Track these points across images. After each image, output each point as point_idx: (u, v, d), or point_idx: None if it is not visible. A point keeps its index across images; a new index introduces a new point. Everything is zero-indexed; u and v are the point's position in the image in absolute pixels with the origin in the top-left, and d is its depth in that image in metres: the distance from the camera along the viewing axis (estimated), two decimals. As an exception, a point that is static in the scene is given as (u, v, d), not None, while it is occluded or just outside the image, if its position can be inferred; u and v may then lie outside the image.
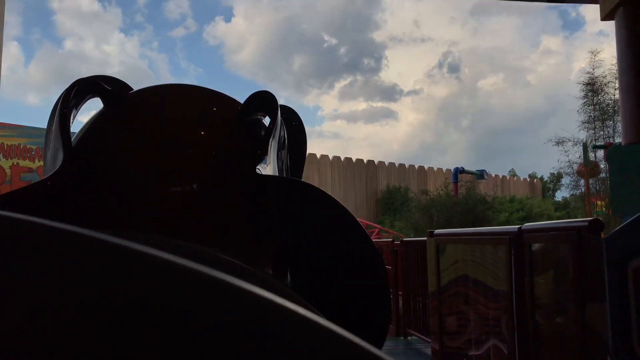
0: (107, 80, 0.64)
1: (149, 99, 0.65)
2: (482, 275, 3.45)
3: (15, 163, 9.55)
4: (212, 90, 0.67)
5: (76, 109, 0.61)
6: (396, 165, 27.82)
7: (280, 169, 0.68)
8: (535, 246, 2.73)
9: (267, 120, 0.66)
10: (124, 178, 0.57)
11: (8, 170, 9.51)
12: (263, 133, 0.63)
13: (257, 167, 0.58)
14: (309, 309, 0.33)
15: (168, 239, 0.49)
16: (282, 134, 0.69)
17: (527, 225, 2.91)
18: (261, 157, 0.59)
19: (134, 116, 0.62)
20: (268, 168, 0.60)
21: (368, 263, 0.55)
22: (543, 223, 2.87)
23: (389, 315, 0.57)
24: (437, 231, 4.23)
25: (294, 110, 0.77)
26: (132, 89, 0.67)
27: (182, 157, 0.58)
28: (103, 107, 0.63)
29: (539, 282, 2.73)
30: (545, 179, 39.01)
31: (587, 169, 16.68)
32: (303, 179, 0.74)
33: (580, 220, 2.40)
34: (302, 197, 0.56)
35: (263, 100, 0.64)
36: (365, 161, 26.60)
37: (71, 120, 0.58)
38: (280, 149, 0.68)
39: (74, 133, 0.61)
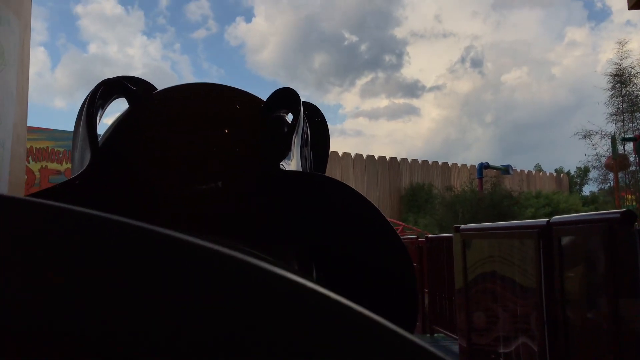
0: (132, 81, 0.65)
1: (173, 98, 0.65)
2: (510, 270, 3.39)
3: (43, 166, 9.76)
4: (235, 88, 0.67)
5: (102, 109, 0.62)
6: (419, 161, 27.61)
7: (303, 166, 0.68)
8: (565, 239, 2.66)
9: (290, 117, 0.66)
10: (150, 176, 0.57)
11: (37, 173, 9.73)
12: (286, 129, 0.63)
13: (281, 163, 0.57)
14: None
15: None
16: (305, 130, 0.68)
17: (556, 218, 2.84)
18: (285, 153, 0.59)
19: (158, 115, 0.62)
20: (292, 164, 0.60)
21: (396, 261, 0.54)
22: (573, 215, 2.80)
23: (415, 317, 0.56)
24: (463, 226, 4.17)
25: (316, 107, 0.77)
26: (157, 89, 0.68)
27: (207, 155, 0.58)
28: (128, 107, 0.64)
29: (570, 277, 2.66)
30: (572, 174, 38.37)
31: (616, 162, 16.32)
32: None
33: (611, 212, 2.33)
34: (327, 193, 0.55)
35: (286, 97, 0.64)
36: (388, 158, 26.46)
37: (98, 121, 0.59)
38: (303, 145, 0.67)
39: (100, 134, 0.62)
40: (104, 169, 0.56)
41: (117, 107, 0.67)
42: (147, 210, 0.57)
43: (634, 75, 16.93)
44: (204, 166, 0.58)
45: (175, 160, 0.57)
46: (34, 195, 0.53)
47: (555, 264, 2.72)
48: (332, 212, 0.55)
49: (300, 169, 0.65)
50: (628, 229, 2.22)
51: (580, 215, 2.68)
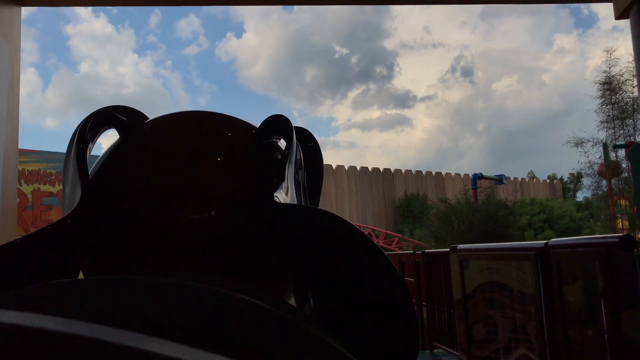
0: (122, 110, 0.65)
1: (163, 129, 0.65)
2: (508, 291, 3.38)
3: (36, 188, 9.70)
4: (227, 116, 0.67)
5: (92, 142, 0.61)
6: (413, 172, 27.68)
7: (297, 193, 0.68)
8: (564, 263, 2.66)
9: (282, 143, 0.65)
10: (141, 211, 0.57)
11: (30, 196, 9.66)
12: (279, 157, 0.63)
13: (275, 194, 0.57)
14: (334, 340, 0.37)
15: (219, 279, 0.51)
16: (298, 156, 0.69)
17: (554, 240, 2.84)
18: (278, 184, 0.58)
19: (148, 147, 0.62)
20: (285, 194, 0.60)
21: (392, 293, 0.54)
22: (571, 239, 2.79)
23: (416, 347, 0.55)
24: (460, 246, 4.16)
25: (308, 131, 0.77)
26: (147, 118, 0.68)
27: (199, 188, 0.58)
28: (119, 139, 0.64)
29: (570, 300, 2.65)
30: (565, 180, 38.57)
31: (609, 169, 16.43)
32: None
33: (610, 236, 2.32)
34: (322, 226, 0.55)
35: (278, 124, 0.63)
36: (381, 169, 26.51)
37: (88, 154, 0.59)
38: (296, 171, 0.67)
39: (93, 159, 0.62)
40: (95, 206, 0.56)
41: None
42: (139, 246, 0.56)
43: (622, 82, 17.09)
44: (196, 199, 0.57)
45: (166, 195, 0.57)
46: (26, 237, 0.52)
47: (554, 287, 2.71)
48: (327, 245, 0.55)
49: (295, 198, 0.65)
50: (627, 253, 2.21)
51: (579, 239, 2.67)
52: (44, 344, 0.24)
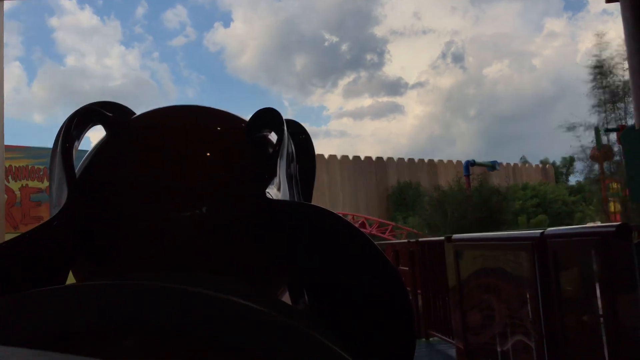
0: (109, 106, 0.64)
1: (150, 124, 0.64)
2: (504, 280, 3.36)
3: (24, 184, 9.62)
4: (216, 109, 0.67)
5: (78, 140, 0.61)
6: (405, 160, 27.72)
7: (290, 187, 0.66)
8: (560, 252, 2.63)
9: (273, 137, 0.64)
10: (129, 209, 0.56)
11: (18, 192, 9.59)
12: (270, 151, 0.62)
13: (267, 189, 0.55)
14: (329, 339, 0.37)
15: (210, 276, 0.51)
16: (290, 149, 0.67)
17: (550, 230, 2.81)
18: (270, 179, 0.57)
19: (136, 143, 0.61)
20: (277, 189, 0.58)
21: (388, 288, 0.53)
22: (567, 228, 2.77)
23: (413, 342, 0.54)
24: (455, 236, 4.14)
25: (299, 123, 0.76)
26: (135, 113, 0.67)
27: (188, 184, 0.57)
28: (105, 135, 0.63)
29: (566, 289, 2.64)
30: (558, 164, 38.79)
31: (601, 152, 16.51)
32: None
33: (606, 225, 2.30)
34: (315, 222, 0.54)
35: (268, 118, 0.63)
36: (374, 158, 26.54)
37: (74, 153, 0.58)
38: (289, 164, 0.66)
39: (81, 155, 0.61)
40: (83, 206, 0.55)
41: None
42: (129, 245, 0.56)
43: (613, 66, 17.13)
44: (186, 196, 0.56)
45: (155, 192, 0.56)
46: (11, 240, 0.51)
47: (551, 277, 2.69)
48: (320, 241, 0.54)
49: (287, 192, 0.63)
50: (623, 242, 2.18)
51: (575, 228, 2.65)
52: None
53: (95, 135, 0.68)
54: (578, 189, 27.91)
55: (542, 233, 2.79)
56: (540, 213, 23.48)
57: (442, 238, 5.12)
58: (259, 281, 0.59)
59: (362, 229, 0.52)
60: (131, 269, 0.55)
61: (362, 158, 26.25)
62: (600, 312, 2.41)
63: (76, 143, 0.59)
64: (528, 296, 2.97)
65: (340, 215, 0.53)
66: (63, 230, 0.53)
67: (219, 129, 0.64)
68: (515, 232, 3.69)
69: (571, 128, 17.69)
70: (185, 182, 0.57)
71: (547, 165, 36.63)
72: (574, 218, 22.61)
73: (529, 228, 18.29)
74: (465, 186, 18.57)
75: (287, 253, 0.57)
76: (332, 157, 25.00)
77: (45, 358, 0.24)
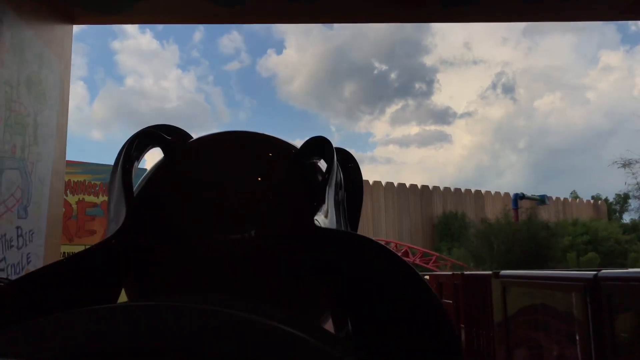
0: (167, 129, 0.66)
1: (205, 149, 0.65)
2: (552, 321, 3.25)
3: (81, 199, 10.01)
4: (268, 136, 0.67)
5: (138, 160, 0.62)
6: (452, 189, 27.29)
7: (337, 214, 0.67)
8: (615, 296, 2.53)
9: (323, 164, 0.65)
10: (182, 230, 0.57)
11: (74, 206, 9.98)
12: (320, 179, 0.63)
13: (315, 216, 0.56)
14: None
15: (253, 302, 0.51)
16: (339, 177, 0.68)
17: (604, 272, 2.71)
18: (318, 206, 0.58)
19: (191, 167, 0.62)
20: (325, 216, 0.59)
21: (430, 314, 0.52)
22: (621, 271, 2.66)
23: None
24: (503, 272, 4.04)
25: (348, 152, 0.77)
26: (191, 137, 0.69)
27: (239, 208, 0.58)
28: (163, 157, 0.65)
29: (621, 335, 2.53)
30: (611, 200, 37.31)
31: (658, 191, 15.79)
32: None
33: (665, 270, 2.20)
34: (362, 253, 0.54)
35: (318, 146, 0.63)
36: (419, 186, 26.24)
37: (133, 172, 0.60)
38: (337, 191, 0.66)
39: (140, 173, 0.64)
40: (139, 226, 0.56)
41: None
42: (181, 267, 0.57)
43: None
44: (238, 221, 0.57)
45: (207, 214, 0.57)
46: (72, 257, 0.53)
47: (604, 321, 2.59)
48: (366, 271, 0.54)
49: (334, 220, 0.64)
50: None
51: (631, 272, 2.55)
52: None
53: (151, 155, 0.70)
54: (632, 227, 26.69)
55: (595, 275, 2.70)
56: (590, 251, 22.56)
57: (489, 273, 5.01)
58: (303, 308, 0.60)
59: (404, 258, 0.54)
60: (179, 290, 0.56)
61: (408, 186, 26.01)
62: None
63: (135, 163, 0.61)
64: (579, 338, 2.86)
65: (384, 244, 0.54)
66: (120, 248, 0.55)
67: (271, 155, 0.65)
68: (566, 271, 3.57)
69: (627, 164, 17.05)
70: (237, 206, 0.58)
71: (600, 202, 35.29)
72: (628, 257, 21.61)
73: (578, 266, 17.60)
74: (513, 219, 18.08)
75: (332, 281, 0.57)
76: (377, 183, 24.88)
77: None
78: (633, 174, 17.23)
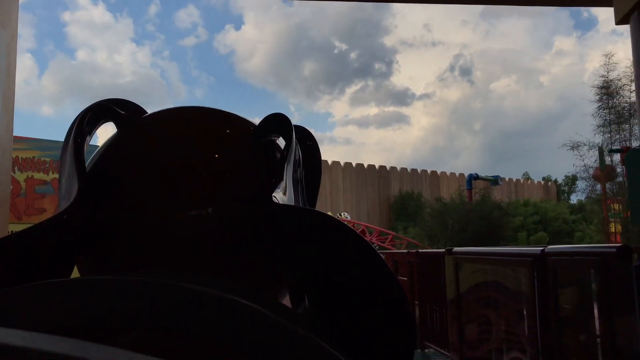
0: (120, 104, 0.64)
1: (161, 123, 0.64)
2: (502, 295, 3.38)
3: (30, 176, 9.64)
4: (226, 112, 0.66)
5: (90, 135, 0.61)
6: (408, 170, 27.71)
7: (295, 192, 0.67)
8: (560, 270, 2.65)
9: (282, 142, 0.65)
10: (135, 207, 0.57)
11: (23, 183, 9.60)
12: (278, 156, 0.63)
13: (273, 193, 0.56)
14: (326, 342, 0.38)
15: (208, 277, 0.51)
16: (297, 156, 0.68)
17: (551, 247, 2.83)
18: (276, 183, 0.58)
19: (145, 142, 0.61)
20: (283, 193, 0.59)
21: (388, 293, 0.54)
22: (567, 246, 2.79)
23: (413, 344, 0.55)
24: (456, 249, 4.16)
25: (307, 130, 0.77)
26: (146, 112, 0.67)
27: (194, 184, 0.57)
28: (116, 132, 0.63)
29: (564, 307, 2.65)
30: (560, 182, 38.65)
31: (604, 173, 16.48)
32: None
33: (607, 245, 2.33)
34: (318, 228, 0.54)
35: (277, 122, 0.63)
36: (377, 167, 26.53)
37: (85, 148, 0.59)
38: (295, 169, 0.67)
39: (91, 150, 0.62)
40: (92, 201, 0.55)
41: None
42: (134, 243, 0.56)
43: (620, 87, 17.12)
44: (193, 197, 0.57)
45: (162, 192, 0.57)
46: (21, 232, 0.52)
47: (549, 294, 2.71)
48: (322, 246, 0.54)
49: (293, 197, 0.64)
50: (623, 264, 2.21)
51: (576, 247, 2.66)
52: None
53: (103, 131, 0.68)
54: (579, 208, 27.78)
55: (542, 250, 2.81)
56: (540, 230, 23.42)
57: (442, 250, 5.15)
58: (259, 284, 0.60)
59: None
60: (133, 267, 0.56)
61: (366, 166, 26.24)
62: (597, 332, 2.43)
63: (87, 138, 0.60)
64: (526, 312, 2.98)
65: (344, 221, 0.54)
66: (72, 224, 0.54)
67: (228, 131, 0.64)
68: (516, 247, 3.70)
69: (575, 147, 17.66)
70: (191, 182, 0.57)
71: (550, 183, 36.56)
72: (574, 237, 22.54)
73: (528, 245, 18.26)
74: (467, 199, 18.52)
75: (289, 257, 0.57)
76: (336, 163, 24.99)
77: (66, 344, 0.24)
78: (581, 156, 17.83)
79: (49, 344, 0.23)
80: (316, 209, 0.65)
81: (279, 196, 0.57)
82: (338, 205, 23.92)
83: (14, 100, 3.57)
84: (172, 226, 0.55)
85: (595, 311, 2.44)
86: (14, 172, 9.06)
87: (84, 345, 0.24)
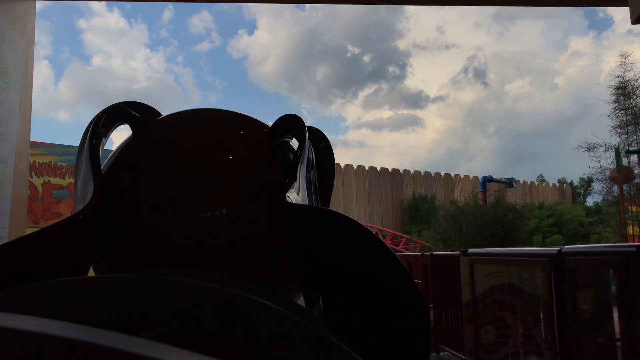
0: (135, 106, 0.65)
1: (175, 126, 0.64)
2: (519, 297, 3.34)
3: (46, 181, 9.77)
4: (239, 114, 0.67)
5: (105, 137, 0.61)
6: (422, 173, 27.60)
7: (309, 192, 0.67)
8: (577, 271, 2.61)
9: (295, 143, 0.65)
10: (152, 209, 0.57)
11: (40, 188, 9.74)
12: (292, 157, 0.63)
13: (287, 194, 0.56)
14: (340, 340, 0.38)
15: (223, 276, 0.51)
16: (310, 157, 0.68)
17: (568, 247, 2.79)
18: (290, 184, 0.58)
19: (160, 144, 0.61)
20: (297, 194, 0.59)
21: (404, 294, 0.53)
22: (584, 246, 2.75)
23: (428, 348, 0.54)
24: (471, 250, 4.12)
25: (321, 131, 0.77)
26: (160, 114, 0.67)
27: (209, 186, 0.57)
28: (131, 135, 0.64)
29: (583, 308, 2.61)
30: (575, 184, 38.27)
31: (621, 174, 16.27)
32: None
33: (626, 245, 2.28)
34: (333, 227, 0.54)
35: (291, 124, 0.63)
36: (390, 170, 26.45)
37: (100, 150, 0.59)
38: (308, 170, 0.67)
39: (105, 155, 0.62)
40: (107, 203, 0.56)
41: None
42: (149, 244, 0.56)
43: (637, 87, 16.91)
44: (207, 199, 0.57)
45: (177, 194, 0.57)
46: (38, 232, 0.52)
47: (567, 295, 2.67)
48: (337, 246, 0.54)
49: (306, 198, 0.64)
50: (644, 263, 2.17)
51: (593, 247, 2.63)
52: (20, 345, 0.23)
53: (118, 135, 0.69)
54: (595, 210, 27.47)
55: (559, 250, 2.77)
56: (555, 233, 23.18)
57: (457, 252, 5.11)
58: (275, 284, 0.60)
59: None
60: (149, 268, 0.56)
61: (379, 169, 26.19)
62: (617, 333, 2.39)
63: (103, 140, 0.60)
64: (543, 314, 2.94)
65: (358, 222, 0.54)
66: (87, 224, 0.54)
67: (241, 133, 0.64)
68: (532, 248, 3.66)
69: (591, 148, 17.45)
70: (206, 184, 0.57)
71: (565, 185, 36.20)
72: (590, 240, 22.28)
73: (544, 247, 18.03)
74: (482, 202, 18.41)
75: (304, 257, 0.57)
76: (349, 166, 24.97)
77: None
78: (597, 157, 17.62)
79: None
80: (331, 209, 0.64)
81: (292, 196, 0.57)
82: (351, 209, 23.88)
83: (31, 107, 3.61)
84: (188, 227, 0.56)
85: (615, 313, 2.40)
86: (31, 177, 9.18)
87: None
